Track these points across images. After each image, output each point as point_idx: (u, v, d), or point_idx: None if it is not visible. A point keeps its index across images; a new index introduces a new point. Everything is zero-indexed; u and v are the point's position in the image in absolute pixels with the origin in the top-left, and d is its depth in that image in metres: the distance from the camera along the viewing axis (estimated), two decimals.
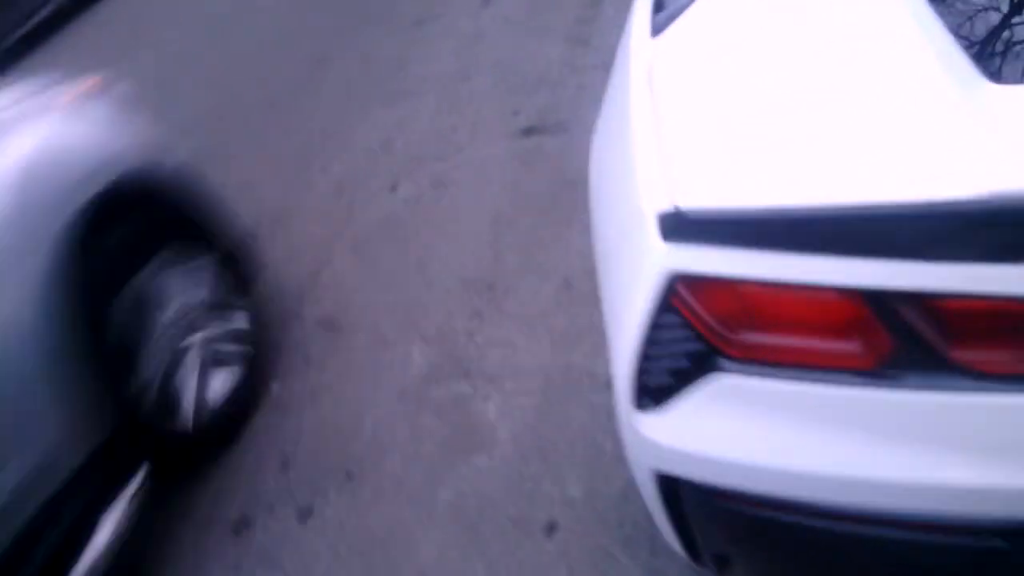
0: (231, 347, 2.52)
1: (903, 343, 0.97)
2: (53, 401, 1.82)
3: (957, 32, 1.08)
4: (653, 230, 1.09)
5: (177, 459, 2.32)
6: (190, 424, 2.31)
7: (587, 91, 3.69)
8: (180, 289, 2.33)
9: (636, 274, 1.14)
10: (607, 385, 2.30)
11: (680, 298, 1.08)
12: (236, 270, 2.58)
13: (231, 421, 2.49)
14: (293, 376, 2.71)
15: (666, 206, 1.09)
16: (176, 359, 2.30)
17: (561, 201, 3.04)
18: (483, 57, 4.31)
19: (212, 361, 2.43)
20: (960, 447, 1.00)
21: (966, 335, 0.95)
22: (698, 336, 1.09)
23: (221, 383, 2.46)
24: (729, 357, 1.08)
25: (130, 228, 2.21)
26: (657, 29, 1.56)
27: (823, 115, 1.09)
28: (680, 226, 1.07)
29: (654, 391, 1.16)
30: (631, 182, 1.22)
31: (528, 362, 2.42)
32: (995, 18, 1.11)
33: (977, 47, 1.06)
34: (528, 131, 3.55)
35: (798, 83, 1.16)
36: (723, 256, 1.04)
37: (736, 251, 1.03)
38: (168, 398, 2.25)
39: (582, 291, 2.60)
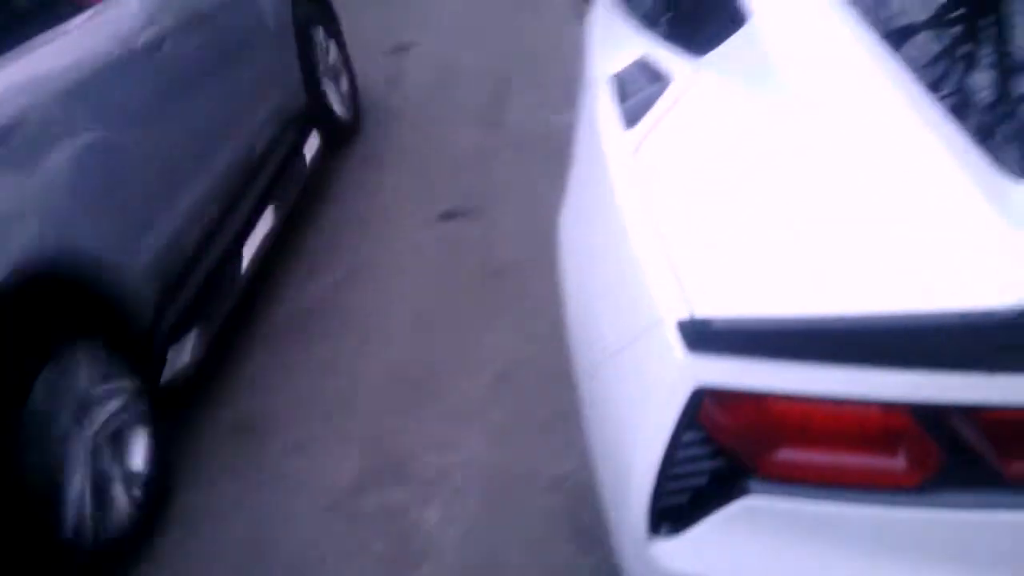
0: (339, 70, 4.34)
1: (952, 459, 0.90)
2: (292, 70, 3.72)
3: (966, 124, 1.05)
4: (673, 340, 1.00)
5: (339, 134, 4.15)
6: (348, 113, 4.29)
7: (504, 174, 3.66)
8: (322, 39, 4.15)
9: (650, 388, 1.04)
10: (554, 485, 2.19)
11: (706, 414, 0.99)
12: (334, 31, 4.40)
13: (357, 113, 4.44)
14: (204, 488, 2.46)
15: (688, 314, 1.00)
16: (326, 75, 4.09)
17: (489, 288, 2.95)
18: (393, 141, 4.24)
19: (335, 79, 4.22)
20: (1017, 568, 0.93)
21: (1020, 449, 0.89)
22: (726, 454, 1.00)
23: (345, 89, 4.34)
24: (759, 477, 0.98)
25: (307, 5, 3.98)
26: (630, 120, 1.50)
27: (841, 217, 1.03)
28: (707, 336, 0.98)
29: (673, 515, 1.05)
30: (634, 287, 1.13)
31: (467, 462, 2.28)
32: (1005, 108, 1.09)
33: (989, 140, 1.03)
34: (447, 216, 3.46)
35: (807, 180, 1.11)
36: (754, 368, 0.95)
37: (768, 363, 0.95)
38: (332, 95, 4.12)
39: (519, 383, 2.49)
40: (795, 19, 1.35)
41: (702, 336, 0.98)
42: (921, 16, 1.32)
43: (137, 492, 2.18)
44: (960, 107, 1.08)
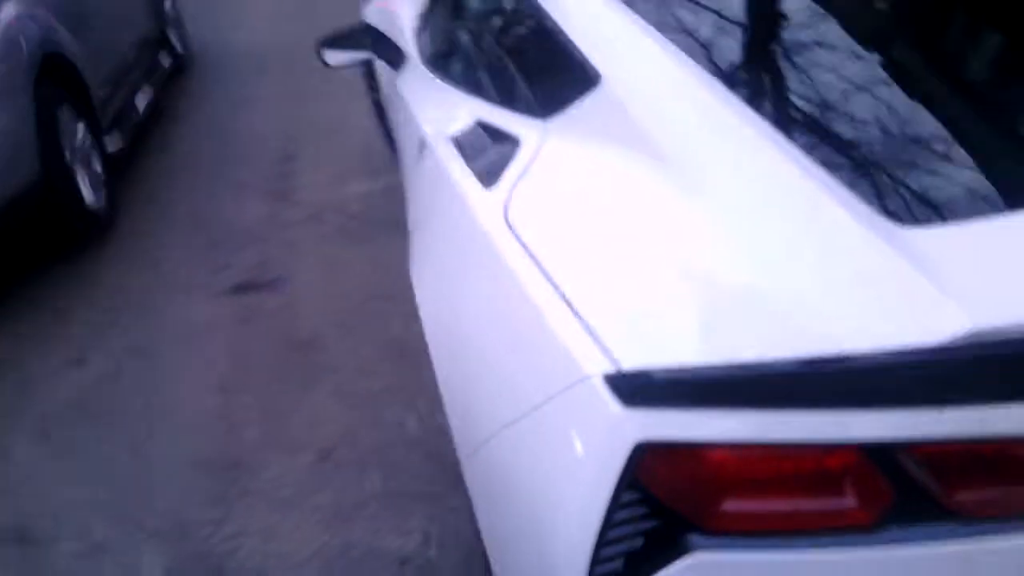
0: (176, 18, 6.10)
1: (901, 496, 0.92)
2: (152, 10, 5.46)
3: (839, 176, 1.10)
4: (605, 396, 0.97)
5: (178, 60, 5.78)
6: (182, 48, 5.98)
7: (299, 246, 3.51)
8: None
9: (579, 449, 1.00)
10: (401, 564, 2.06)
11: (646, 471, 0.96)
12: None
13: (189, 51, 6.16)
14: None
15: (615, 369, 0.97)
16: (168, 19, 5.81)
17: (295, 363, 2.78)
18: (171, 211, 3.95)
19: (173, 24, 5.94)
20: None
21: (962, 481, 0.93)
22: (669, 512, 0.97)
23: (179, 33, 6.05)
24: (706, 532, 0.96)
25: None
26: (487, 180, 1.48)
27: (744, 264, 1.05)
28: (643, 389, 0.95)
29: None
30: (540, 348, 1.09)
31: (298, 550, 2.10)
32: (874, 161, 1.15)
33: (865, 190, 1.08)
34: (240, 289, 3.25)
35: (700, 233, 1.12)
36: (694, 419, 0.94)
37: (709, 412, 0.94)
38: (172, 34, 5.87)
39: (343, 460, 2.35)
40: (650, 79, 1.39)
41: (637, 389, 0.96)
42: (775, 74, 1.39)
43: (103, 187, 3.89)
44: (828, 156, 1.14)
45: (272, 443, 2.45)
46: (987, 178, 1.11)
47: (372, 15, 3.43)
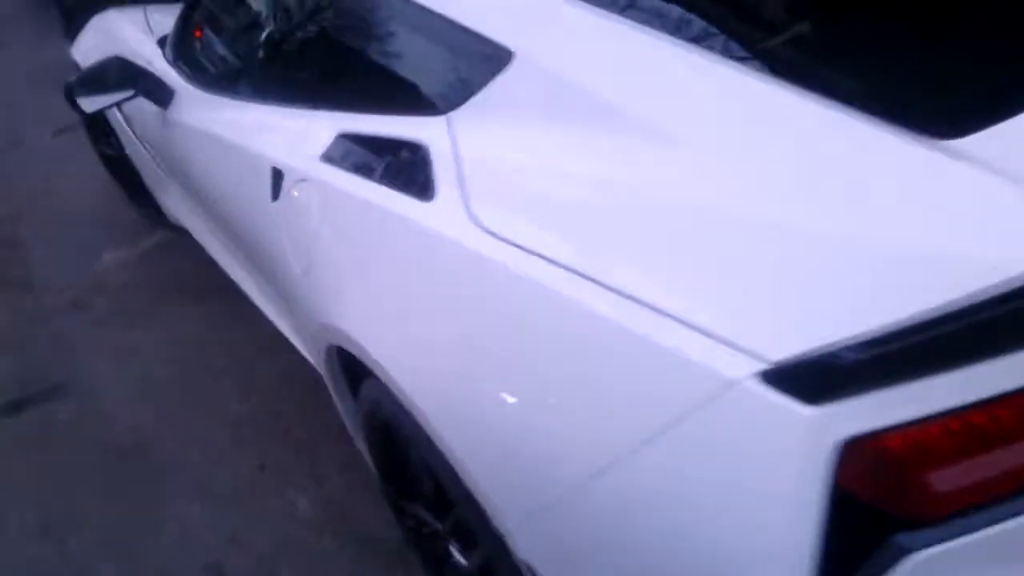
0: None
1: None
2: None
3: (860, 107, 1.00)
4: (772, 399, 0.80)
5: None
6: None
7: (69, 341, 2.95)
8: None
9: (757, 466, 0.82)
10: None
11: (846, 471, 0.80)
12: None
13: None
14: None
15: (771, 361, 0.80)
16: None
17: (128, 475, 2.31)
18: None
19: None
20: None
21: None
22: (872, 513, 0.82)
23: None
24: (919, 525, 0.82)
25: None
26: (419, 193, 1.25)
27: (829, 217, 0.91)
28: (823, 379, 0.79)
29: None
30: (633, 362, 0.91)
31: None
32: (885, 84, 1.06)
33: (895, 116, 0.99)
34: (14, 408, 2.67)
35: (742, 195, 0.97)
36: (882, 400, 0.79)
37: (893, 389, 0.79)
38: None
39: (242, 571, 1.97)
40: (586, 42, 1.22)
41: (814, 381, 0.79)
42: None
43: None
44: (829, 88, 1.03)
45: None
46: (995, 79, 1.04)
47: (87, 50, 2.95)
